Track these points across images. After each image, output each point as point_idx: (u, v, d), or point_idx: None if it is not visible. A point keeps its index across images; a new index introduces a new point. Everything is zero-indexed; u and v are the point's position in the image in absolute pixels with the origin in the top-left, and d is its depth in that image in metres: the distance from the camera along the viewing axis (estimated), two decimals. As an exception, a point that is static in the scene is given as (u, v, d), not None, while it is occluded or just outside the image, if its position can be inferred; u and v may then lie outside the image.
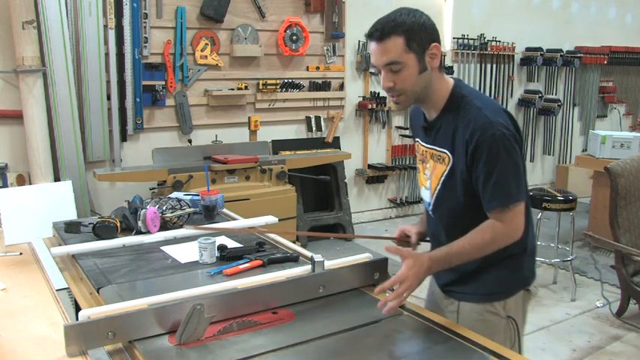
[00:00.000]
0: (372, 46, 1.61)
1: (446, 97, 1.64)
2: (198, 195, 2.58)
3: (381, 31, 1.56)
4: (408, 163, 6.03)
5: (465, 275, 1.70)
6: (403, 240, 1.94)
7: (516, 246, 1.64)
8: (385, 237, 2.07)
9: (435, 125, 1.67)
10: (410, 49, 1.55)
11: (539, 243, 4.25)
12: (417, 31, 1.55)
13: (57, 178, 4.01)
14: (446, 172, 1.64)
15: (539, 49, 6.69)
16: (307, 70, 5.29)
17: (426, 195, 1.75)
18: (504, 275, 1.69)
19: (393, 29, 1.55)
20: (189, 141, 4.67)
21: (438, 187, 1.68)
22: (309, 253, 2.01)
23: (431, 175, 1.70)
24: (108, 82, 4.28)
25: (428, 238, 1.87)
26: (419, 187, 1.85)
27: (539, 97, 6.77)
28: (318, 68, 5.32)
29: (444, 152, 1.64)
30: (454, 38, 6.13)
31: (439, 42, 1.60)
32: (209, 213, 2.48)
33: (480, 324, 1.65)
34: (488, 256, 1.62)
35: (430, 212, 1.77)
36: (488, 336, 1.54)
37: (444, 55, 6.03)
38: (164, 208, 2.35)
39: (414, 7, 1.61)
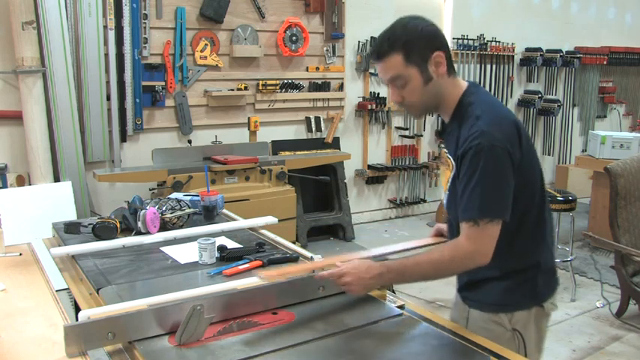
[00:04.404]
0: (376, 64, 1.61)
1: (455, 103, 1.62)
2: (197, 195, 2.58)
3: (378, 51, 1.57)
4: (407, 163, 6.03)
5: (475, 282, 1.67)
6: (439, 240, 1.90)
7: (525, 261, 1.61)
8: (419, 246, 1.92)
9: (445, 130, 1.68)
10: (410, 63, 1.54)
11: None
12: (414, 44, 1.54)
13: (57, 179, 4.01)
14: (450, 178, 1.63)
15: (539, 49, 6.69)
16: (307, 70, 5.29)
17: (444, 197, 1.75)
18: (512, 288, 1.62)
19: (390, 47, 1.54)
20: (189, 141, 4.67)
21: (447, 192, 1.67)
22: (308, 254, 2.01)
23: (445, 178, 1.71)
24: (107, 82, 4.28)
25: None
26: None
27: (539, 97, 6.77)
28: (317, 69, 5.33)
29: (449, 158, 1.63)
30: (454, 39, 6.13)
31: (443, 48, 1.57)
32: (209, 214, 2.48)
33: (484, 332, 1.61)
34: (500, 265, 1.56)
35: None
36: None
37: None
38: (164, 208, 2.35)
39: (414, 15, 1.60)
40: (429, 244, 1.90)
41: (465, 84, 1.64)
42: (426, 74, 1.56)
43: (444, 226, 1.89)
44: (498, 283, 1.62)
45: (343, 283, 1.56)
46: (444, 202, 1.71)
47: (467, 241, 1.50)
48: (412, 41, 1.54)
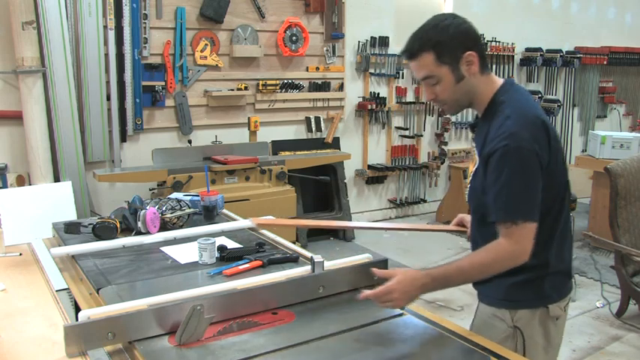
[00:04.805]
0: (408, 63, 1.64)
1: (488, 101, 1.63)
2: (197, 195, 2.58)
3: (410, 49, 1.60)
4: (407, 163, 6.03)
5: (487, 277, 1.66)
6: (460, 229, 1.93)
7: (533, 260, 1.56)
8: (440, 229, 2.05)
9: (477, 125, 1.71)
10: (442, 63, 1.57)
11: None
12: (446, 44, 1.56)
13: (57, 179, 4.01)
14: (473, 172, 1.66)
15: (539, 49, 6.69)
16: (307, 70, 5.29)
17: (467, 189, 1.77)
18: (518, 285, 1.62)
19: (421, 46, 1.57)
20: (189, 141, 4.67)
21: (470, 184, 1.71)
22: (308, 254, 2.01)
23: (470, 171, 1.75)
24: (108, 82, 4.28)
25: None
26: None
27: (539, 97, 6.77)
28: (317, 69, 5.32)
29: (476, 153, 1.66)
30: (454, 39, 6.12)
31: (475, 47, 1.59)
32: (209, 214, 2.48)
33: (485, 326, 1.65)
34: None
35: None
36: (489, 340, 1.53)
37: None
38: (164, 208, 2.35)
39: (448, 14, 1.63)
40: (442, 230, 2.01)
41: (499, 81, 1.66)
42: (457, 73, 1.58)
43: (465, 217, 1.92)
44: (505, 279, 1.62)
45: (389, 300, 1.53)
46: (466, 193, 1.74)
47: (507, 242, 1.51)
48: (443, 41, 1.56)
